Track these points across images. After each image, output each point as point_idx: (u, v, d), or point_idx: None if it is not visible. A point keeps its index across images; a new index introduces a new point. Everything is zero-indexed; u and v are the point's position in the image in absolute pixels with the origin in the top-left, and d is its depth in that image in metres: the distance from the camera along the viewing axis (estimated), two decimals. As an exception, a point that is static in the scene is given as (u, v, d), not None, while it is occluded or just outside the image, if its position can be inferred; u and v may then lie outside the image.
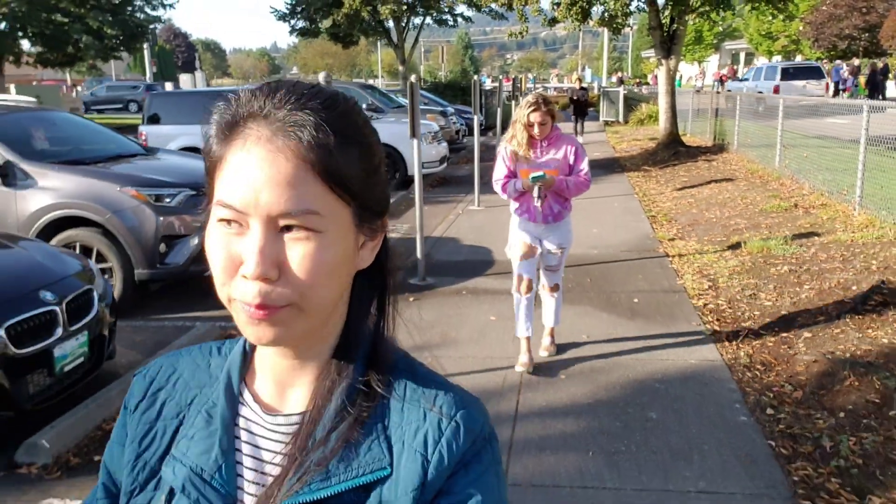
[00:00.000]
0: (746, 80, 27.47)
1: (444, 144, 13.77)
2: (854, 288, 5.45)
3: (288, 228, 0.67)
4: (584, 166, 4.34)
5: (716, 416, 3.79)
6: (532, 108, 4.21)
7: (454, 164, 15.15)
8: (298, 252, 0.67)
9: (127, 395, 0.86)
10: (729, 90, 21.72)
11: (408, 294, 6.15)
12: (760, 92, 19.67)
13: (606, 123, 25.25)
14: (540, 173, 4.19)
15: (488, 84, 26.99)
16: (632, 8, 15.18)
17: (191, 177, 6.03)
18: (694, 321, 5.25)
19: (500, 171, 4.42)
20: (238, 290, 0.68)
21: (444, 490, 0.72)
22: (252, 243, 0.67)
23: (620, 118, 24.66)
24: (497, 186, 4.45)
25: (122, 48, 25.98)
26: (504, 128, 13.27)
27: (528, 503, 3.09)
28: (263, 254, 0.67)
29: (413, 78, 6.51)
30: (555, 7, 15.03)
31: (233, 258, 0.68)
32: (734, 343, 4.77)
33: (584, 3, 14.28)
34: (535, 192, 4.25)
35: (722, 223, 8.42)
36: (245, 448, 0.78)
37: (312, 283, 0.68)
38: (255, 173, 0.67)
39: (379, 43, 43.44)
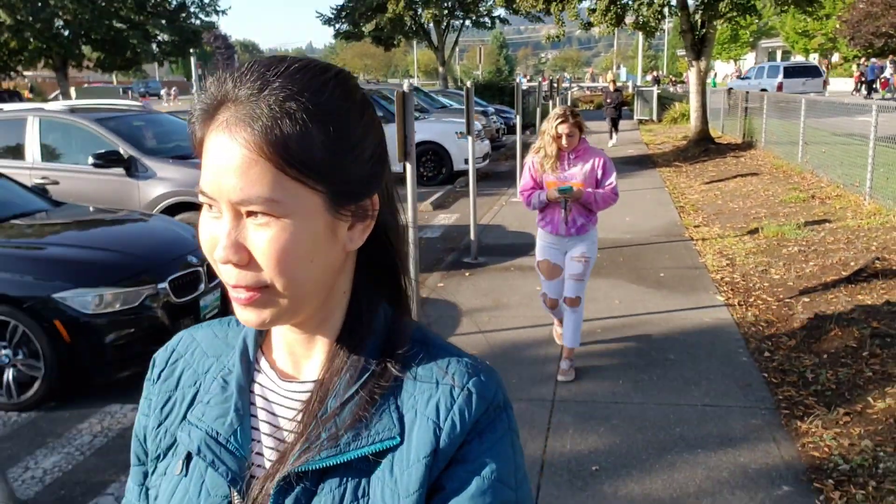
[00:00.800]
0: (748, 78, 28.42)
1: (487, 142, 14.75)
2: (852, 264, 6.31)
3: (252, 214, 0.68)
4: (612, 180, 4.35)
5: (722, 357, 4.72)
6: (560, 119, 4.23)
7: (495, 160, 16.11)
8: (260, 237, 0.68)
9: (151, 368, 0.89)
10: (730, 88, 22.41)
11: (464, 270, 7.14)
12: (764, 89, 20.48)
13: (640, 122, 25.99)
14: (567, 186, 4.22)
15: (524, 84, 27.88)
16: (664, 12, 15.99)
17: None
18: (711, 291, 6.16)
19: (525, 183, 4.49)
20: (220, 271, 0.71)
21: (457, 458, 0.72)
22: (221, 228, 0.69)
23: (654, 117, 25.41)
24: (522, 197, 4.52)
25: (177, 53, 27.38)
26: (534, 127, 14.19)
27: (573, 411, 4.07)
28: (229, 239, 0.68)
29: (469, 83, 7.50)
30: (591, 12, 15.91)
31: (213, 241, 0.70)
32: (743, 306, 5.68)
33: (619, 10, 15.17)
34: (563, 205, 4.30)
35: (744, 212, 9.28)
36: (261, 414, 0.79)
37: (280, 268, 0.69)
38: (216, 161, 0.68)
39: (415, 44, 44.58)
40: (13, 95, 25.30)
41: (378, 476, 0.73)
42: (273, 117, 0.66)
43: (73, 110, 7.39)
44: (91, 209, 5.90)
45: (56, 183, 6.84)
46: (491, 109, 19.33)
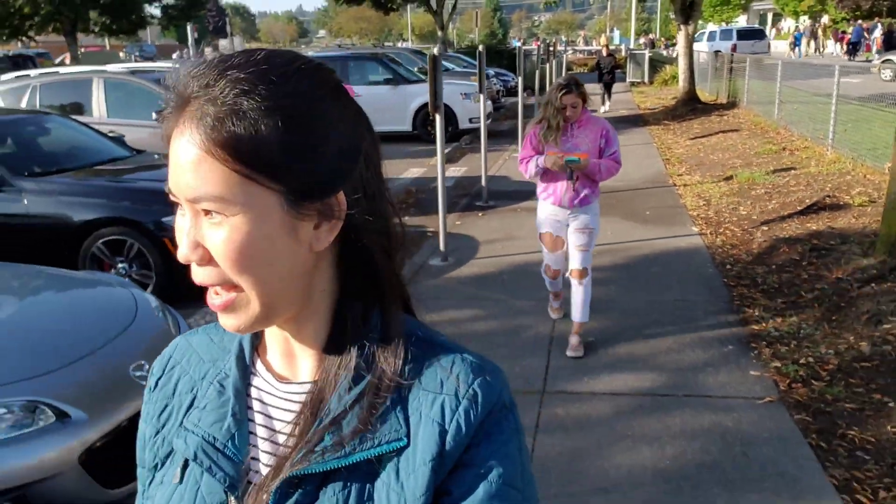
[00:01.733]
0: (699, 41, 30.44)
1: (490, 102, 15.78)
2: (807, 201, 7.47)
3: (207, 212, 0.68)
4: (616, 148, 4.32)
5: (693, 270, 5.89)
6: (564, 90, 4.17)
7: (496, 120, 17.15)
8: (214, 236, 0.68)
9: (149, 377, 0.89)
10: (717, 51, 23.50)
11: (476, 211, 8.28)
12: (718, 51, 21.87)
13: (633, 84, 26.95)
14: (575, 157, 4.16)
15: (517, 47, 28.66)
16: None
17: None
18: (688, 224, 7.32)
19: (525, 151, 4.44)
20: (192, 272, 0.71)
21: (463, 461, 0.71)
22: (181, 227, 0.70)
23: (646, 79, 26.39)
24: (521, 167, 4.45)
25: (182, 17, 28.06)
26: (543, 90, 15.15)
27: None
28: (188, 237, 0.69)
29: (481, 48, 8.55)
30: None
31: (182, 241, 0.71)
32: (713, 235, 6.84)
33: (612, -24, 16.05)
34: (569, 176, 4.26)
35: (722, 163, 10.41)
36: (258, 417, 0.78)
37: (237, 268, 0.68)
38: (174, 159, 0.68)
39: (409, 7, 45.12)
40: (27, 60, 25.96)
41: (383, 480, 0.71)
42: (222, 114, 0.65)
43: (133, 72, 8.40)
44: (158, 156, 6.96)
45: (122, 136, 7.90)
46: (491, 72, 20.25)
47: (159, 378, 0.87)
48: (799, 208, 7.27)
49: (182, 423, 0.80)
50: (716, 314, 4.94)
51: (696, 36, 19.19)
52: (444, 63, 20.72)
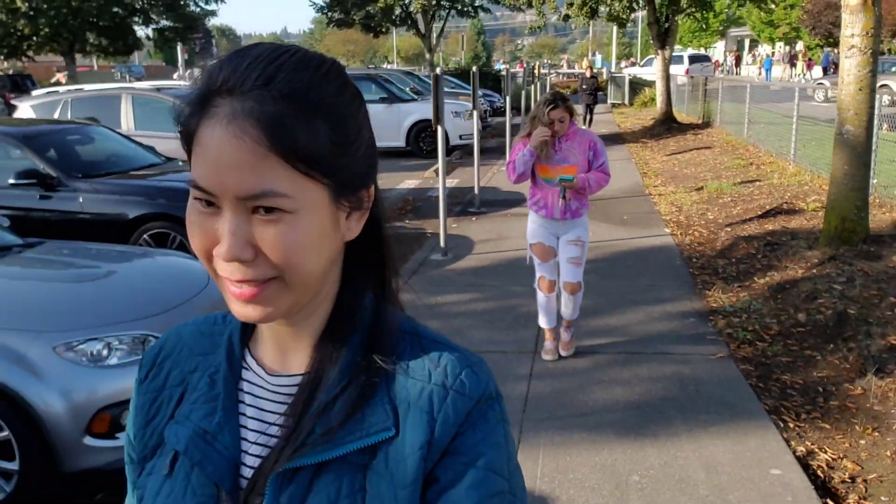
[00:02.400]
0: (648, 66, 33.18)
1: (479, 121, 16.67)
2: (767, 206, 8.37)
3: (257, 209, 0.67)
4: (604, 159, 4.34)
5: (663, 262, 6.73)
6: (551, 105, 4.20)
7: (484, 137, 18.03)
8: (269, 233, 0.67)
9: (139, 368, 0.88)
10: (692, 75, 24.79)
11: (470, 216, 9.11)
12: (692, 76, 23.33)
13: (613, 105, 28.05)
14: (569, 176, 4.20)
15: (503, 70, 29.77)
16: (633, 6, 18.00)
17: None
18: (661, 226, 8.19)
19: (513, 155, 4.43)
20: (220, 267, 0.70)
21: (450, 449, 0.73)
22: (223, 226, 0.68)
23: (626, 101, 27.49)
24: (508, 170, 4.43)
25: (178, 39, 28.90)
26: (528, 110, 16.05)
27: (560, 290, 6.04)
28: (235, 236, 0.67)
29: (475, 69, 9.43)
30: (568, 6, 17.89)
31: (209, 237, 0.69)
32: (683, 235, 7.71)
33: (593, 3, 17.15)
34: (561, 193, 4.27)
35: (694, 176, 11.33)
36: (248, 410, 0.79)
37: (289, 262, 0.69)
38: (218, 155, 0.66)
39: (394, 31, 46.33)
40: (25, 79, 26.64)
41: (374, 469, 0.73)
42: (282, 112, 0.66)
43: (158, 89, 9.20)
44: (183, 163, 7.74)
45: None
46: (480, 93, 21.20)
47: (149, 370, 0.86)
48: (759, 213, 8.16)
49: (172, 415, 0.81)
50: (680, 295, 5.78)
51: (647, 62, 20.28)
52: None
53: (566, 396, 4.09)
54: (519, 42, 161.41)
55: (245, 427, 0.78)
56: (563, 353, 4.60)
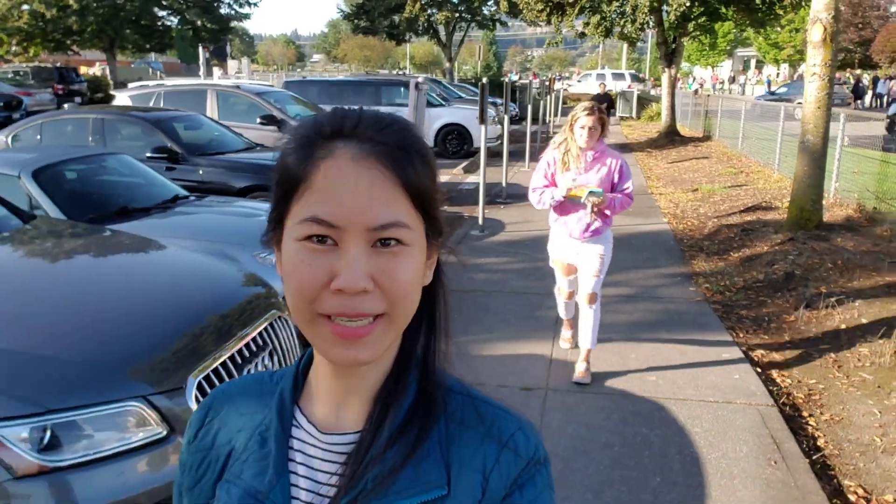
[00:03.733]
0: (585, 80, 35.42)
1: (500, 126, 18.34)
2: (749, 204, 10.00)
3: (379, 242, 0.71)
4: (629, 185, 4.30)
5: (660, 243, 8.36)
6: (587, 111, 4.16)
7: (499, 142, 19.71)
8: (390, 265, 0.72)
9: (188, 428, 0.90)
10: (696, 90, 26.44)
11: (499, 205, 10.75)
12: (696, 91, 24.76)
13: (622, 118, 29.72)
14: (598, 189, 4.12)
15: (517, 81, 31.47)
16: (644, 28, 19.68)
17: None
18: (660, 217, 9.82)
19: (537, 180, 4.37)
20: (330, 304, 0.71)
21: None
22: (348, 258, 0.70)
23: (633, 114, 29.17)
24: (533, 196, 4.39)
25: (213, 40, 30.68)
26: (535, 119, 17.65)
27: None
28: (361, 267, 0.70)
29: (484, 80, 11.05)
30: (585, 25, 19.57)
31: (322, 275, 0.71)
32: (678, 224, 9.34)
33: (608, 24, 18.83)
34: (588, 209, 4.20)
35: (692, 180, 12.97)
36: (300, 469, 0.80)
37: (402, 294, 0.73)
38: (350, 189, 0.70)
39: (408, 39, 48.30)
40: (70, 72, 28.37)
41: None
42: (400, 155, 0.73)
43: (238, 87, 10.85)
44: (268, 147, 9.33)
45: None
46: (499, 101, 22.89)
47: (198, 430, 0.88)
48: (741, 209, 9.79)
49: (221, 474, 0.82)
50: (672, 263, 7.42)
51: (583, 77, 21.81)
52: (458, 92, 23.42)
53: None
54: (529, 53, 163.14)
55: (296, 486, 0.79)
56: (580, 381, 4.46)
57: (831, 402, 4.29)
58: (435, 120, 17.08)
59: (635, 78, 42.89)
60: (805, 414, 4.16)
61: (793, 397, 4.37)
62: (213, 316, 2.80)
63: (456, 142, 17.07)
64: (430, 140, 17.15)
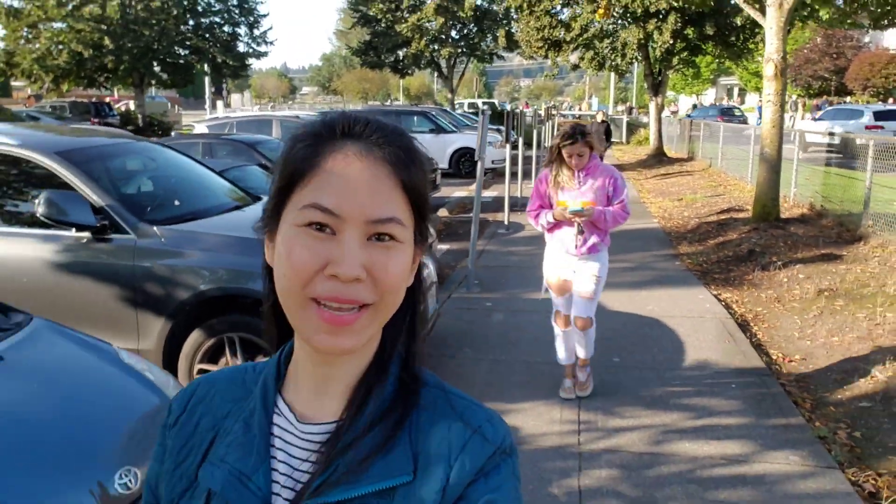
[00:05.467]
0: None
1: (504, 150, 20.54)
2: (724, 206, 12.13)
3: (375, 236, 0.76)
4: (624, 197, 4.24)
5: (652, 235, 10.45)
6: (569, 140, 4.11)
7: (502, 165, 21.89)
8: (383, 257, 0.76)
9: (166, 414, 0.93)
10: (683, 117, 28.79)
11: (517, 211, 12.84)
12: (682, 118, 26.96)
13: (611, 143, 32.05)
14: (579, 206, 4.09)
15: (509, 109, 33.82)
16: (633, 62, 22.04)
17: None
18: (651, 219, 11.93)
19: (533, 202, 4.39)
20: (322, 288, 0.75)
21: (464, 495, 0.79)
22: (346, 246, 0.75)
23: (623, 139, 31.51)
24: (530, 217, 4.42)
25: (233, 76, 32.90)
26: (527, 144, 19.72)
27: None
28: (357, 256, 0.74)
29: (511, 106, 13.21)
30: (580, 59, 21.92)
31: (318, 260, 0.75)
32: (666, 223, 11.45)
33: (600, 59, 21.17)
34: (575, 226, 4.21)
35: (677, 192, 15.13)
36: (279, 454, 0.83)
37: (391, 287, 0.77)
38: (354, 181, 0.75)
39: (411, 72, 50.98)
40: (104, 106, 30.49)
41: None
42: (401, 157, 0.78)
43: (297, 117, 12.96)
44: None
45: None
46: (502, 128, 25.13)
47: (180, 415, 0.91)
48: (718, 211, 11.93)
49: (205, 457, 0.85)
50: (661, 248, 9.51)
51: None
52: (463, 119, 25.66)
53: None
54: (516, 83, 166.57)
55: (276, 470, 0.82)
56: (579, 394, 4.57)
57: (769, 318, 6.36)
58: (450, 145, 19.24)
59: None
60: (751, 324, 6.23)
61: (744, 316, 6.44)
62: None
63: (468, 163, 19.22)
64: (445, 162, 19.29)
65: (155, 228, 4.35)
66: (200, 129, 13.17)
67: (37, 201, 4.16)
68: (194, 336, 4.30)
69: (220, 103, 59.23)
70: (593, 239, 4.28)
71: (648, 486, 3.54)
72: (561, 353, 4.63)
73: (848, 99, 42.03)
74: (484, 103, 43.11)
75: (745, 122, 30.38)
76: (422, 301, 0.88)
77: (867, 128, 21.09)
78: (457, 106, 40.40)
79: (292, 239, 0.76)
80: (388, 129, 0.80)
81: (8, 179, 4.65)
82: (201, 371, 4.37)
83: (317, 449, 0.82)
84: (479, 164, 7.84)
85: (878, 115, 22.03)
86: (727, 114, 36.36)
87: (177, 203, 5.06)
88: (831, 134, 17.52)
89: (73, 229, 4.27)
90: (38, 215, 4.15)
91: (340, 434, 0.80)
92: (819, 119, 24.79)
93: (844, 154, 14.75)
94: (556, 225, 4.33)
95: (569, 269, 4.40)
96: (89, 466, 2.38)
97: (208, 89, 57.57)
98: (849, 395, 4.68)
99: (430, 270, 5.30)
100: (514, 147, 15.47)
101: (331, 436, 0.81)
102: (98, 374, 2.92)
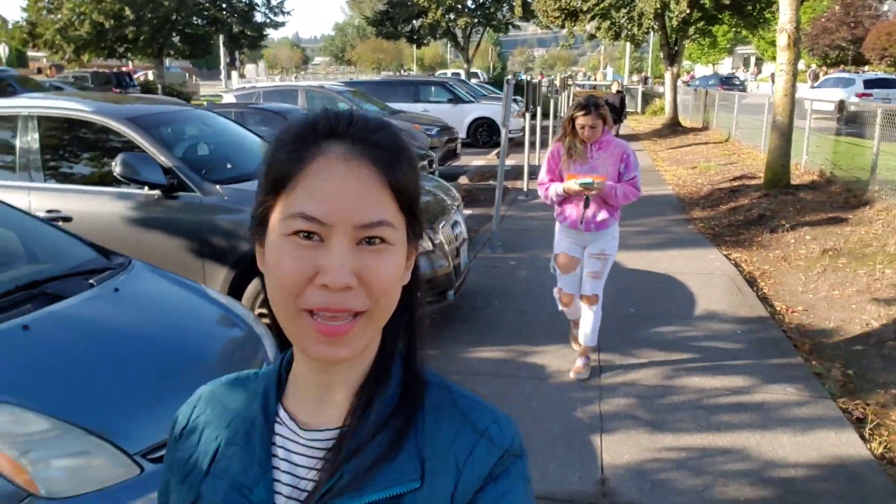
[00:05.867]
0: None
1: (521, 119, 20.86)
2: (738, 174, 12.50)
3: (365, 240, 0.73)
4: (635, 173, 4.18)
5: (666, 203, 10.86)
6: (582, 111, 4.07)
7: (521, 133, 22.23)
8: (374, 262, 0.74)
9: (172, 427, 0.92)
10: (696, 87, 29.07)
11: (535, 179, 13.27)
12: (696, 88, 27.25)
13: (627, 113, 32.24)
14: (589, 180, 4.03)
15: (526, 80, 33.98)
16: (649, 31, 22.20)
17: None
18: (666, 186, 12.32)
19: (543, 175, 4.33)
20: (313, 299, 0.73)
21: (474, 500, 0.77)
22: (334, 253, 0.72)
23: (639, 109, 31.68)
24: (540, 190, 4.37)
25: (251, 46, 33.23)
26: (545, 114, 20.04)
27: (605, 210, 10.23)
28: (346, 263, 0.72)
29: (509, 77, 13.56)
30: (597, 29, 22.11)
31: (307, 270, 0.72)
32: (680, 189, 11.84)
33: (616, 29, 21.36)
34: (584, 203, 4.17)
35: (691, 161, 15.47)
36: (282, 465, 0.82)
37: (385, 292, 0.75)
38: (340, 186, 0.73)
39: (414, 42, 50.98)
40: (125, 76, 30.95)
41: None
42: (389, 157, 0.75)
43: (321, 86, 13.38)
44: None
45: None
46: (520, 99, 25.39)
47: (185, 427, 0.90)
48: (731, 178, 12.30)
49: (208, 470, 0.84)
50: (675, 213, 9.93)
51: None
52: (481, 90, 25.94)
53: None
54: (530, 52, 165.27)
55: (279, 481, 0.81)
56: (573, 377, 4.45)
57: (775, 275, 6.81)
58: (467, 114, 19.58)
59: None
60: (758, 280, 6.68)
61: (752, 273, 6.89)
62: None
63: (486, 133, 19.58)
64: (462, 132, 19.64)
65: (217, 187, 4.84)
66: (229, 98, 13.62)
67: (114, 163, 4.66)
68: (254, 284, 4.81)
69: (234, 73, 59.55)
70: (603, 214, 4.22)
71: (660, 412, 4.04)
72: (567, 315, 4.73)
73: (866, 68, 41.79)
74: (453, 74, 43.18)
75: (744, 90, 31.05)
76: (416, 298, 0.86)
77: (858, 95, 22.06)
78: (440, 75, 40.48)
79: (280, 249, 0.74)
80: (372, 126, 0.78)
81: (85, 143, 5.15)
82: (261, 315, 4.88)
83: (321, 457, 0.80)
84: (503, 131, 8.21)
85: (868, 84, 23.82)
86: (726, 83, 36.92)
87: (229, 166, 5.54)
88: (832, 102, 17.84)
89: (146, 188, 4.77)
90: (115, 175, 4.65)
91: (344, 440, 0.79)
92: (816, 87, 25.66)
93: (840, 121, 15.11)
94: (566, 199, 4.27)
95: (578, 245, 4.39)
96: (192, 375, 2.85)
97: (223, 60, 57.85)
98: (845, 339, 5.14)
99: (462, 229, 5.77)
100: (533, 117, 15.95)
101: (335, 442, 0.80)
102: (193, 304, 3.44)
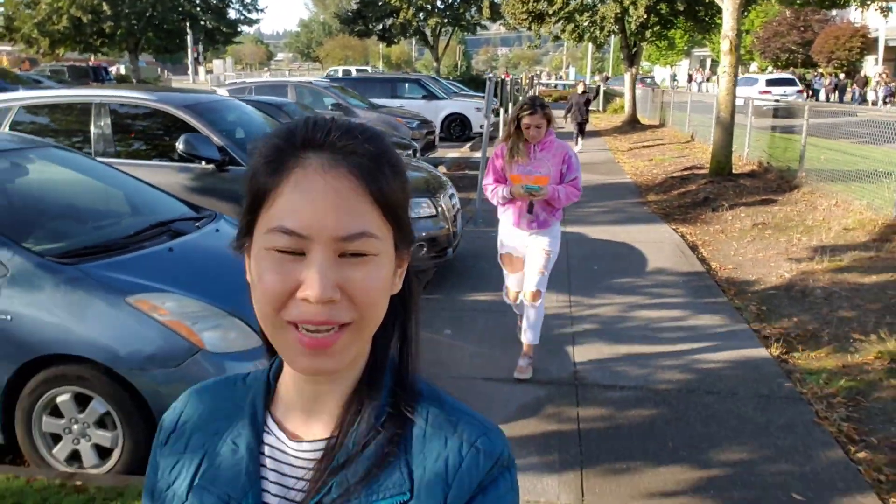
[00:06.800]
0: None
1: (493, 116, 22.13)
2: (689, 165, 13.90)
3: (347, 253, 0.72)
4: (577, 174, 4.26)
5: (624, 188, 12.19)
6: (528, 111, 4.13)
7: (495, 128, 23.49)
8: (357, 274, 0.72)
9: (158, 431, 0.90)
10: (653, 87, 30.80)
11: (506, 169, 14.54)
12: (653, 88, 29.13)
13: (590, 111, 33.77)
14: (535, 185, 4.13)
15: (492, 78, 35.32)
16: (610, 34, 23.64)
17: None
18: (624, 175, 13.66)
19: (488, 176, 4.38)
20: (296, 312, 0.72)
21: None
22: (315, 267, 0.71)
23: (600, 108, 33.21)
24: (487, 192, 4.39)
25: (225, 42, 33.97)
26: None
27: (570, 194, 11.51)
28: (327, 277, 0.70)
29: (490, 75, 14.81)
30: (561, 31, 23.48)
31: (289, 283, 0.72)
32: (637, 178, 13.19)
33: (580, 32, 22.76)
34: (528, 206, 4.25)
35: (648, 154, 16.89)
36: (270, 475, 0.81)
37: (370, 303, 0.74)
38: (318, 199, 0.71)
39: (397, 41, 52.16)
40: (101, 70, 31.47)
41: None
42: (370, 166, 0.73)
43: (310, 82, 14.44)
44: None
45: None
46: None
47: (171, 433, 0.88)
48: (682, 168, 13.69)
49: (195, 479, 0.82)
50: (632, 197, 11.26)
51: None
52: (452, 87, 27.13)
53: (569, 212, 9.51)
54: (494, 51, 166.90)
55: (267, 491, 0.80)
56: (517, 377, 4.47)
57: (714, 243, 8.15)
58: (441, 110, 20.75)
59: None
60: (700, 247, 8.01)
61: (694, 242, 8.22)
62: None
63: (458, 128, 20.80)
64: (437, 127, 20.83)
65: (260, 162, 5.98)
66: (222, 93, 14.57)
67: (177, 142, 5.75)
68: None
69: (201, 69, 59.84)
70: (543, 215, 4.30)
71: (617, 332, 5.29)
72: (515, 310, 4.87)
73: (820, 70, 44.01)
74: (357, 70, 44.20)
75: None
76: (414, 307, 0.86)
77: (760, 93, 24.24)
78: (331, 73, 41.23)
79: (262, 262, 0.73)
80: (353, 133, 0.75)
81: (151, 126, 6.23)
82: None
83: (310, 468, 0.79)
84: (486, 121, 9.44)
85: (769, 83, 26.04)
86: (641, 81, 40.35)
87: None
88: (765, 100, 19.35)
89: (203, 162, 5.86)
90: (178, 152, 5.75)
91: (333, 452, 0.78)
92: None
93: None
94: (511, 201, 4.32)
95: (521, 244, 4.44)
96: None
97: (190, 55, 58.13)
98: (763, 287, 6.46)
99: (456, 201, 6.96)
100: (502, 112, 17.22)
101: (323, 454, 0.79)
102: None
